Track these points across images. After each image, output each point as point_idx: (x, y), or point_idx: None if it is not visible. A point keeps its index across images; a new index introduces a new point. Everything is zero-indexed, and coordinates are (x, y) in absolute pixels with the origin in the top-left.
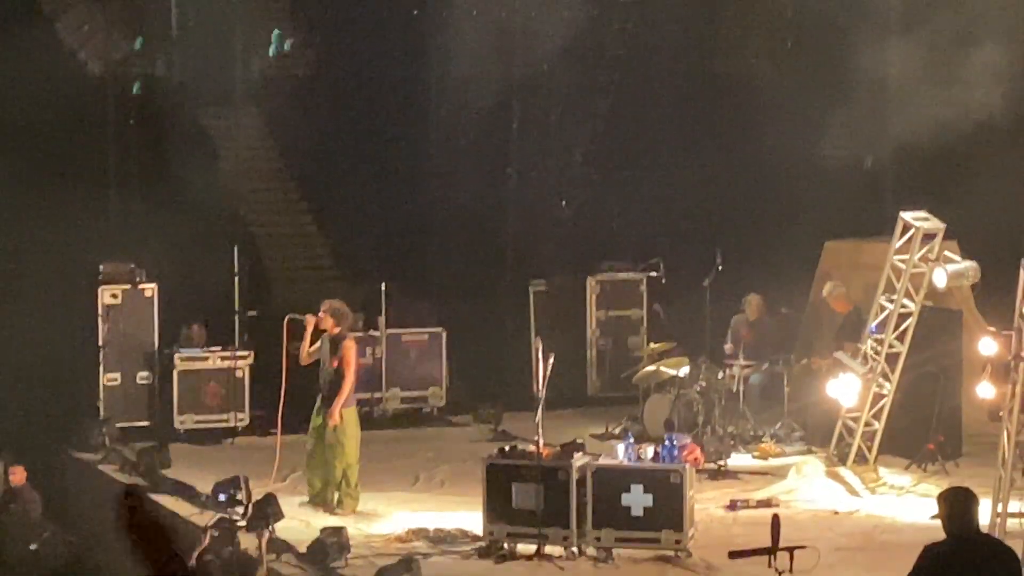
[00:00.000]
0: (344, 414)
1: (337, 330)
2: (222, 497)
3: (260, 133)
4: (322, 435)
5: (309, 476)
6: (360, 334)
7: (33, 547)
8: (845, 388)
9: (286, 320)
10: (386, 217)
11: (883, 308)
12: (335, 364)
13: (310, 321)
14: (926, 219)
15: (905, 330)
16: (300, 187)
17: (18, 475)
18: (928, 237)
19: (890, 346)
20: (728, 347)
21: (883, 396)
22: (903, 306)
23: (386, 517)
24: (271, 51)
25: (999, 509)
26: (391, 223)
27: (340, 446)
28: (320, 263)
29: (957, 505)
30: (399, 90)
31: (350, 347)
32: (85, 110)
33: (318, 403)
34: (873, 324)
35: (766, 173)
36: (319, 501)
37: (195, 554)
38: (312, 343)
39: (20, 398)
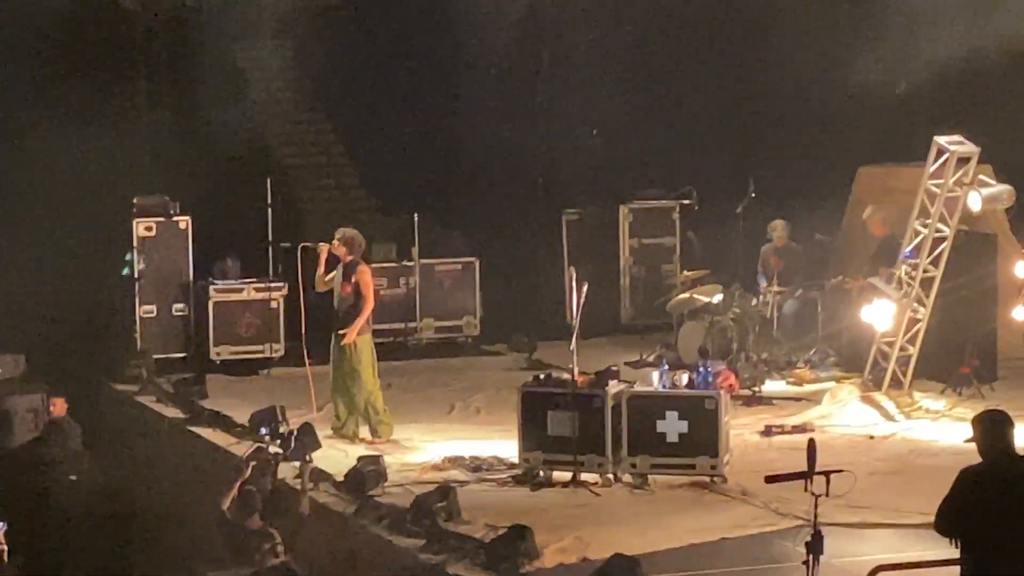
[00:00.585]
0: (358, 341)
1: (350, 257)
2: (261, 428)
3: (291, 64)
4: (340, 365)
5: (335, 407)
6: (393, 264)
7: (73, 478)
8: (880, 313)
9: (299, 249)
10: (418, 147)
11: (917, 233)
12: (348, 290)
13: (323, 249)
14: (960, 143)
15: (940, 254)
16: (331, 118)
17: (58, 407)
18: (962, 161)
19: (924, 271)
20: (763, 285)
21: (918, 321)
22: (937, 230)
23: (422, 446)
24: None
25: None
26: (423, 153)
27: (356, 374)
28: (352, 194)
29: (992, 428)
30: (429, 20)
31: (365, 272)
32: (117, 43)
33: (335, 333)
34: (907, 249)
35: (799, 99)
36: (345, 432)
37: (236, 485)
38: (327, 272)
39: (58, 332)
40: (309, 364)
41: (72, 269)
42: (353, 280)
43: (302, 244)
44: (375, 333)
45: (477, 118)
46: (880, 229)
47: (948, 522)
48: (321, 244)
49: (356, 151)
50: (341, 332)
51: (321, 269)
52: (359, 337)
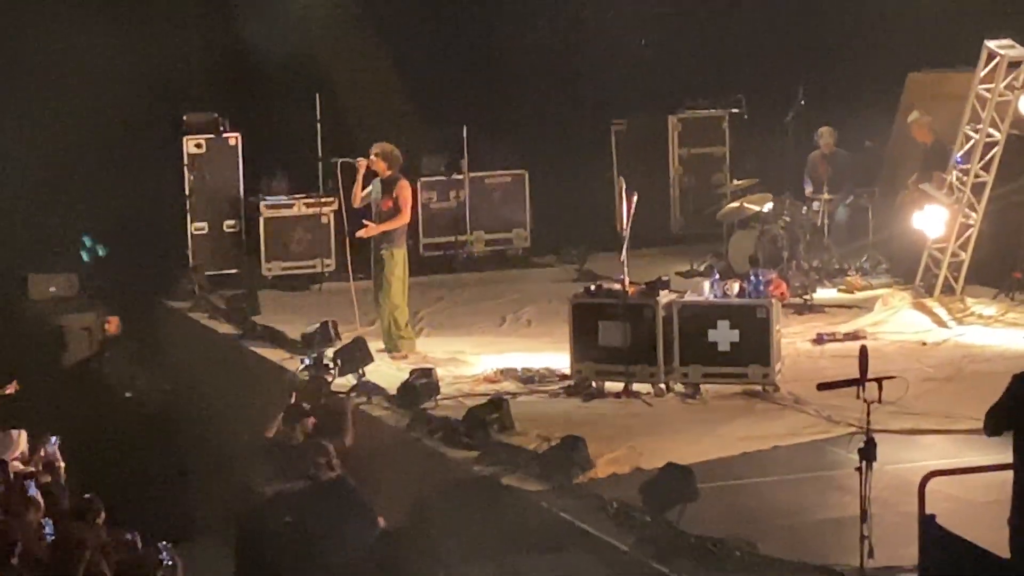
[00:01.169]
0: (394, 253)
1: (389, 172)
2: (313, 343)
3: None
4: (379, 280)
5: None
6: (442, 177)
7: (128, 395)
8: (931, 219)
9: (337, 165)
10: (466, 59)
11: (968, 138)
12: (388, 205)
13: (361, 164)
14: (1011, 47)
15: (991, 159)
16: (380, 32)
17: (113, 325)
18: (1013, 65)
19: (976, 176)
20: (808, 190)
21: (969, 226)
22: (988, 136)
23: (474, 358)
24: None
25: None
26: (471, 65)
27: (388, 286)
28: (401, 107)
29: None
30: None
31: (405, 187)
32: None
33: (373, 247)
34: (958, 155)
35: (848, 5)
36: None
37: (280, 415)
38: (364, 187)
39: (111, 251)
40: (353, 280)
41: (123, 188)
42: (393, 195)
43: (340, 160)
44: (425, 247)
45: (525, 29)
46: (925, 135)
47: (997, 422)
48: (359, 159)
49: (404, 64)
50: (381, 248)
51: (359, 185)
52: (396, 249)
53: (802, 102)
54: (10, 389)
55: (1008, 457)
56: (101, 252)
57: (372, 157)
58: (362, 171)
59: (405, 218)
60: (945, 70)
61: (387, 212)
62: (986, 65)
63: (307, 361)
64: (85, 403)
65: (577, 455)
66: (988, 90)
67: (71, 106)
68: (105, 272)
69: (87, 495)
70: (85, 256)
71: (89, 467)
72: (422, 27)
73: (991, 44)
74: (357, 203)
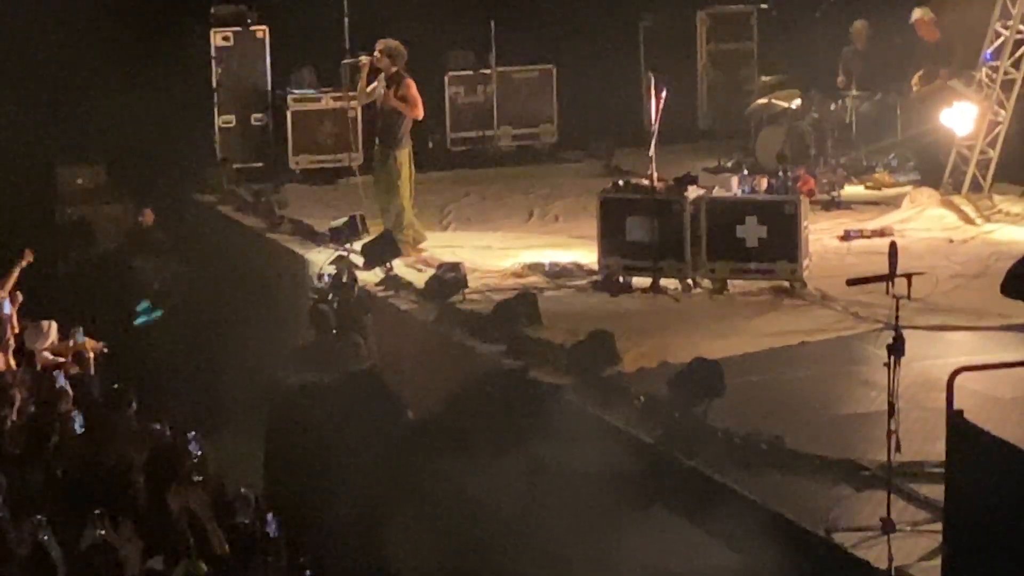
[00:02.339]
0: (398, 155)
1: (394, 69)
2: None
3: None
4: (380, 177)
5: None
6: (470, 72)
7: (156, 287)
8: (959, 116)
9: (343, 65)
10: None
11: (998, 35)
12: (392, 103)
13: (364, 62)
14: None
15: (1021, 57)
16: None
17: (147, 216)
18: None
19: (1005, 73)
20: (840, 80)
21: (998, 124)
22: (1019, 32)
23: (502, 253)
24: None
25: None
26: None
27: (396, 188)
28: (428, 1)
29: None
30: None
31: (411, 85)
32: None
33: (376, 145)
34: (988, 51)
35: None
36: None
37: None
38: (368, 84)
39: (139, 143)
40: (361, 176)
41: (151, 80)
42: (399, 93)
43: (344, 61)
44: (453, 142)
45: None
46: (931, 32)
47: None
48: (363, 56)
49: None
50: (387, 150)
51: (363, 82)
52: (400, 151)
53: None
54: (25, 261)
55: None
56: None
57: (376, 54)
58: (366, 69)
59: (416, 114)
60: None
61: (390, 110)
62: None
63: (335, 254)
64: (114, 294)
65: (604, 349)
66: None
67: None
68: (133, 164)
69: (116, 385)
70: (140, 320)
71: (118, 358)
72: None
73: None
74: (362, 100)
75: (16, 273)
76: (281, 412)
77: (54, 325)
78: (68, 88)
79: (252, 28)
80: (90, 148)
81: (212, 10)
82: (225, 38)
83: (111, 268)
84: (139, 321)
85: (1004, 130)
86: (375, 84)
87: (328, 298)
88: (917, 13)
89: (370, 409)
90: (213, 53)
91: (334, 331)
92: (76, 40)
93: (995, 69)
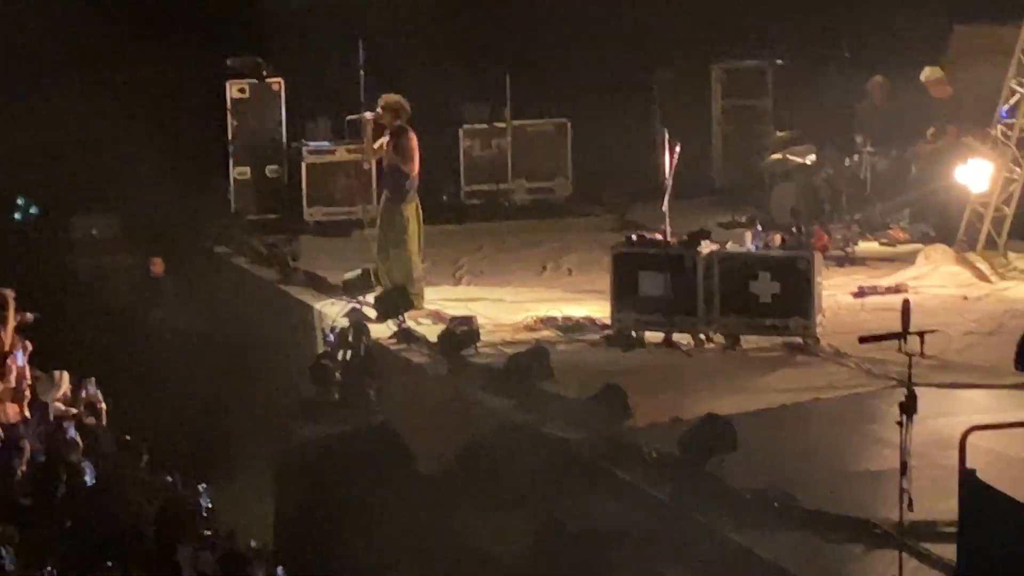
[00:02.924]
0: (403, 210)
1: (397, 123)
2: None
3: None
4: (387, 232)
5: (378, 269)
6: (485, 125)
7: (169, 337)
8: (975, 174)
9: (347, 121)
10: (509, 6)
11: (1013, 92)
12: (394, 157)
13: (369, 118)
14: None
15: None
16: None
17: (157, 265)
18: None
19: (1021, 131)
20: (858, 138)
21: (1013, 181)
22: None
23: (515, 306)
24: None
25: None
26: (514, 12)
27: (403, 241)
28: (444, 54)
29: None
30: None
31: (411, 138)
32: None
33: (383, 199)
34: (1003, 108)
35: None
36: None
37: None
38: (375, 140)
39: (154, 194)
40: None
41: (167, 132)
42: (400, 145)
43: (348, 117)
44: (467, 195)
45: None
46: (941, 91)
47: None
48: (367, 113)
49: (447, 10)
50: (388, 198)
51: (368, 138)
52: (404, 206)
53: (846, 54)
54: (25, 319)
55: None
56: (34, 211)
57: (379, 110)
58: (370, 125)
59: (409, 168)
60: (992, 23)
61: (392, 163)
62: None
63: (349, 306)
64: (127, 344)
65: (617, 404)
66: None
67: (115, 49)
68: (147, 215)
69: (128, 436)
70: (18, 216)
71: (130, 409)
72: None
73: None
74: (370, 156)
75: (11, 316)
76: (292, 465)
77: (66, 375)
78: (85, 139)
79: (268, 80)
80: (105, 199)
81: (228, 62)
82: (241, 90)
83: (124, 318)
84: (19, 216)
85: (1019, 188)
86: (383, 139)
87: (336, 353)
88: (926, 72)
89: (381, 463)
90: (228, 105)
91: (339, 385)
92: (93, 91)
93: (1010, 126)
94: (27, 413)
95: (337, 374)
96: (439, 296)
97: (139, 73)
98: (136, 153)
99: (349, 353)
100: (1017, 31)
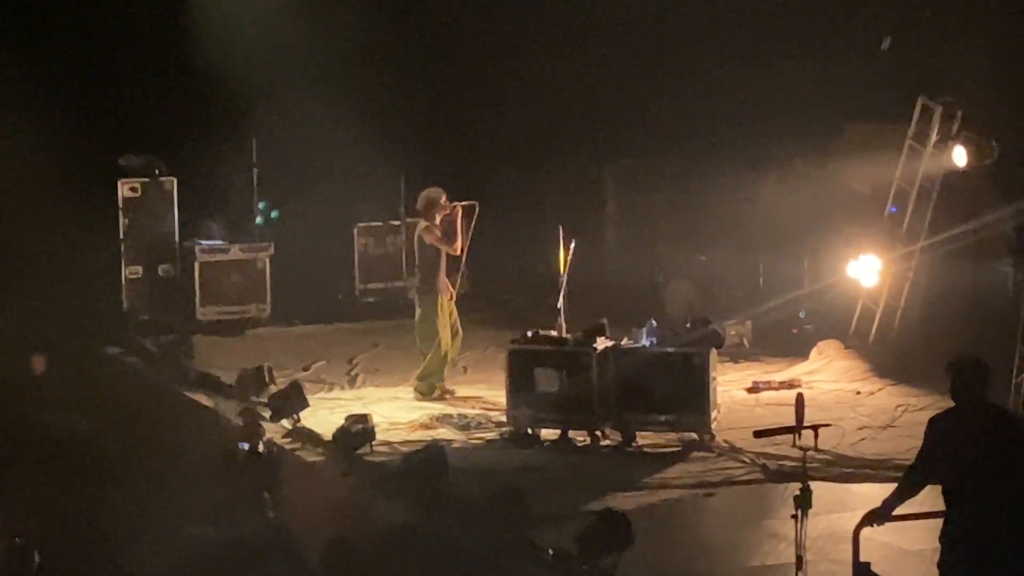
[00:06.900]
0: (432, 300)
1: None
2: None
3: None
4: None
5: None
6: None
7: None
8: (865, 269)
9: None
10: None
11: (901, 189)
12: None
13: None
14: (947, 101)
15: (924, 210)
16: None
17: (37, 363)
18: (947, 118)
19: (908, 227)
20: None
21: (907, 279)
22: (921, 186)
23: (410, 404)
24: None
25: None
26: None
27: (436, 332)
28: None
29: (964, 373)
30: None
31: (428, 229)
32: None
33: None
34: (892, 206)
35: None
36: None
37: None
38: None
39: (45, 295)
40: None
41: (57, 231)
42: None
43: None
44: (362, 292)
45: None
46: (863, 184)
47: (915, 479)
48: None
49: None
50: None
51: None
52: (432, 295)
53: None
54: None
55: (942, 505)
56: (274, 215)
57: (454, 203)
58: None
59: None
60: (880, 122)
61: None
62: (919, 118)
63: (243, 406)
64: (7, 448)
65: (514, 504)
66: (922, 142)
67: (4, 146)
68: (37, 315)
69: (17, 539)
70: (260, 220)
71: (16, 512)
72: (362, 72)
73: (925, 98)
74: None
75: None
76: (188, 568)
77: None
78: None
79: (160, 179)
80: None
81: (120, 160)
82: (132, 188)
83: (6, 420)
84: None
85: (909, 283)
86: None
87: (231, 452)
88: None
89: (274, 565)
90: (120, 204)
91: (233, 485)
92: None
93: (899, 222)
94: None
95: (231, 474)
96: (333, 395)
97: (30, 171)
98: (28, 252)
99: (245, 451)
100: (903, 130)
